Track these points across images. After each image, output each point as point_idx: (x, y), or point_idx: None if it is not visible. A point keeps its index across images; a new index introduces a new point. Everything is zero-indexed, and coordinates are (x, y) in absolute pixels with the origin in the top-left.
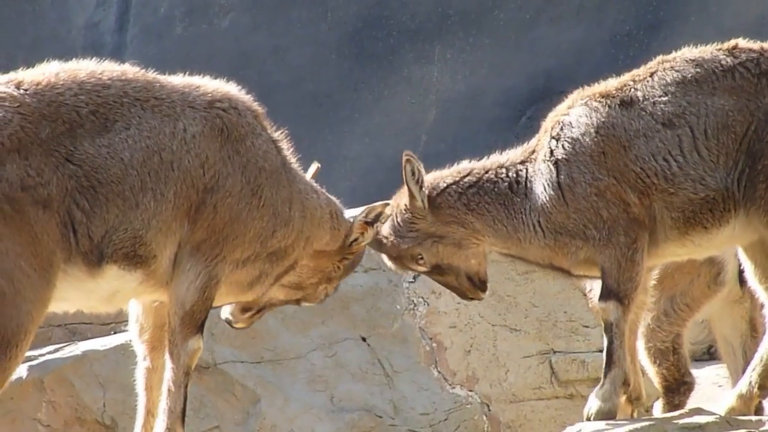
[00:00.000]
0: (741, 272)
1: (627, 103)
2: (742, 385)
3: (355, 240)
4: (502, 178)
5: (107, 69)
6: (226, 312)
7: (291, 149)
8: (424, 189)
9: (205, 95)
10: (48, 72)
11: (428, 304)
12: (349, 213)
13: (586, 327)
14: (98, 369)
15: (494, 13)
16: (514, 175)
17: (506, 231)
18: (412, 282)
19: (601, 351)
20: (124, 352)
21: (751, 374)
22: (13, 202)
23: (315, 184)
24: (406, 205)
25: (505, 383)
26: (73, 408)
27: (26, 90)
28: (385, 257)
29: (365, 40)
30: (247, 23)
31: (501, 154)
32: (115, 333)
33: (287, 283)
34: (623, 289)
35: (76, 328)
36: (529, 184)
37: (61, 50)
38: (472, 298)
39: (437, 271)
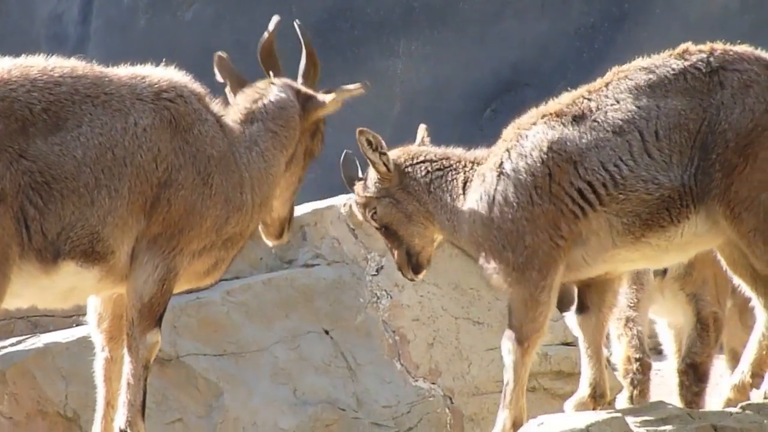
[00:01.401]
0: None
1: (579, 118)
2: (736, 375)
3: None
4: (461, 173)
5: (57, 65)
6: (268, 243)
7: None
8: (385, 154)
9: (152, 86)
10: (1, 68)
11: (391, 298)
12: (312, 206)
13: (550, 320)
14: (60, 362)
15: (459, 5)
16: (470, 174)
17: (448, 223)
18: (375, 275)
19: (565, 344)
20: (87, 344)
21: (744, 364)
22: None
23: (250, 130)
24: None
25: (468, 376)
26: (35, 400)
27: None
28: (352, 199)
29: (329, 33)
30: (211, 15)
31: (481, 150)
32: (77, 325)
33: (287, 193)
34: (525, 331)
35: (38, 320)
36: (471, 186)
37: (25, 42)
38: (405, 276)
39: (385, 233)
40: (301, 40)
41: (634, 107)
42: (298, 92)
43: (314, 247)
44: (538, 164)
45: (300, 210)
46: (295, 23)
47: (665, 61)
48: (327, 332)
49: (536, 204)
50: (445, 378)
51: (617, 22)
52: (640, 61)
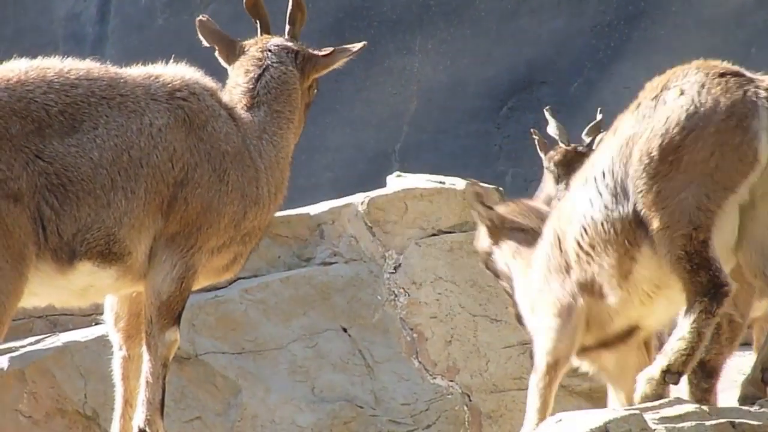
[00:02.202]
0: None
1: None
2: (750, 371)
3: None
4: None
5: (73, 67)
6: None
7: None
8: (492, 208)
9: (165, 86)
10: (18, 68)
11: (409, 295)
12: (329, 204)
13: None
14: (79, 360)
15: (475, 3)
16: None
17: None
18: (392, 273)
19: None
20: (106, 343)
21: (756, 358)
22: None
23: (257, 116)
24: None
25: (486, 373)
26: (55, 399)
27: None
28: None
29: (346, 31)
30: (228, 14)
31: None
32: (96, 324)
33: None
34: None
35: (57, 319)
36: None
37: (42, 42)
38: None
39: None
40: None
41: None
42: (296, 55)
43: (332, 245)
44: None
45: (317, 208)
46: None
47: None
48: (345, 330)
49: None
50: (463, 375)
51: (634, 20)
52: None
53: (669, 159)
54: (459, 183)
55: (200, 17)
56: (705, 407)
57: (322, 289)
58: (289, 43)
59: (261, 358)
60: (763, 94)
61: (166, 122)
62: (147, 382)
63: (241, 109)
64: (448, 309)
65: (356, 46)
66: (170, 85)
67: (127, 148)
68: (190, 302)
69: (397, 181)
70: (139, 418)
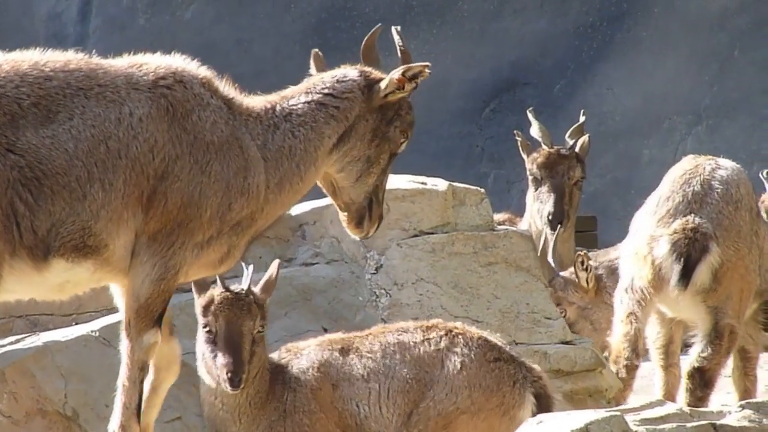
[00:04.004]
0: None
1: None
2: None
3: (391, 92)
4: None
5: (51, 59)
6: (351, 235)
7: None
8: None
9: (149, 74)
10: None
11: (390, 296)
12: (311, 204)
13: (548, 319)
14: (60, 360)
15: (458, 4)
16: None
17: None
18: (374, 274)
19: (564, 343)
20: (86, 343)
21: None
22: None
23: (289, 104)
24: None
25: None
26: (35, 399)
27: None
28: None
29: (329, 32)
30: (210, 15)
31: None
32: (76, 324)
33: (354, 172)
34: None
35: (37, 319)
36: None
37: (24, 41)
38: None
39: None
40: (397, 45)
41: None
42: (366, 73)
43: (313, 245)
44: None
45: (299, 208)
46: (393, 29)
47: (411, 328)
48: (326, 331)
49: None
50: None
51: (616, 21)
52: (395, 325)
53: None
54: (441, 184)
55: (315, 51)
56: (686, 409)
57: (303, 290)
58: (368, 68)
59: None
60: (529, 386)
61: (148, 112)
62: (123, 386)
63: (248, 99)
64: (430, 310)
65: (420, 66)
66: (154, 74)
67: (104, 138)
68: (170, 303)
69: None
70: (114, 423)
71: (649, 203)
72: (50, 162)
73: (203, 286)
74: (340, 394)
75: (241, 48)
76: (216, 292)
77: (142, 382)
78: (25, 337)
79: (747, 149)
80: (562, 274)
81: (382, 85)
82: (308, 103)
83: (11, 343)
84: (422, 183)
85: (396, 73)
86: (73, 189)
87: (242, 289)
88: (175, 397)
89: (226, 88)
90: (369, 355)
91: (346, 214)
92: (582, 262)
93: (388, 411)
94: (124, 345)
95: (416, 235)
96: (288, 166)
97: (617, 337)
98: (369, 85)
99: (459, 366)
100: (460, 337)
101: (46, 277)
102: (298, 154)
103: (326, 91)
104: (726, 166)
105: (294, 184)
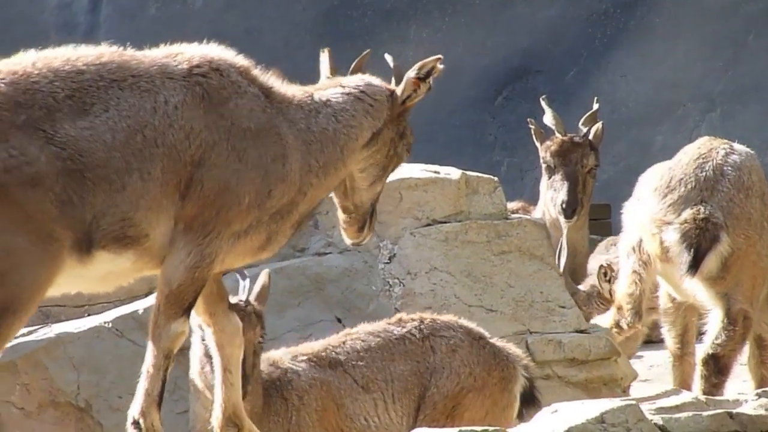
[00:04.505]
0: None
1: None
2: None
3: (408, 97)
4: None
5: (83, 54)
6: (347, 239)
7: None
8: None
9: (183, 63)
10: (25, 61)
11: (404, 286)
12: None
13: (563, 308)
14: (72, 351)
15: None
16: None
17: None
18: (387, 263)
19: (578, 331)
20: (98, 334)
21: None
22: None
23: (324, 93)
24: None
25: None
26: (47, 391)
27: (2, 79)
28: None
29: (340, 21)
30: (221, 4)
31: None
32: (89, 315)
33: (371, 176)
34: None
35: (49, 310)
36: None
37: (33, 31)
38: None
39: None
40: (391, 66)
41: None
42: (389, 89)
43: (326, 235)
44: None
45: None
46: (387, 56)
47: (385, 327)
48: (339, 320)
49: None
50: None
51: (629, 8)
52: (367, 326)
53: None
54: (454, 173)
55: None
56: (702, 397)
57: (316, 279)
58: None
59: None
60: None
61: (183, 99)
62: (147, 372)
63: (286, 87)
64: (443, 299)
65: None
66: (188, 63)
67: (140, 128)
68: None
69: None
70: (134, 408)
71: (659, 174)
72: (90, 154)
73: None
74: (345, 413)
75: (251, 37)
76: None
77: (166, 370)
78: (38, 328)
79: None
80: (581, 287)
81: (400, 89)
82: (346, 95)
83: (23, 335)
84: (435, 172)
85: (411, 73)
86: (113, 180)
87: (240, 301)
88: (188, 389)
89: (264, 76)
90: (360, 364)
91: (349, 217)
92: (605, 274)
93: (396, 415)
94: (151, 331)
95: (429, 224)
96: (332, 149)
97: (621, 295)
98: (391, 92)
99: (452, 348)
100: (436, 322)
101: (89, 269)
102: (341, 139)
103: (360, 88)
104: (739, 151)
105: (337, 168)
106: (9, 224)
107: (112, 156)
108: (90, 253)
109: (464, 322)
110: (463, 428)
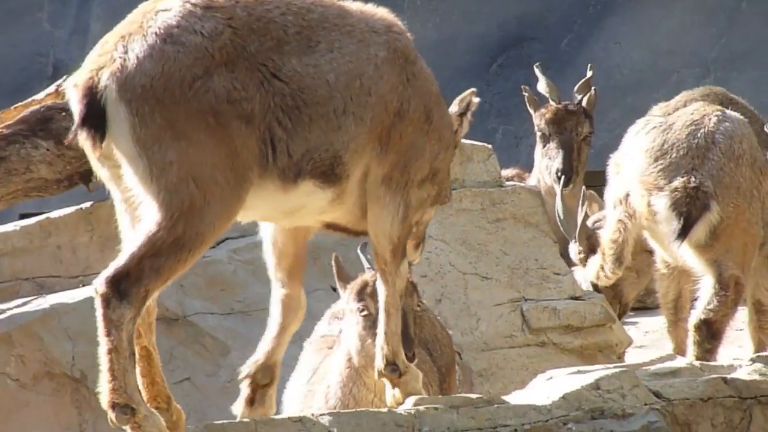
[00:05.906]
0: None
1: None
2: None
3: (455, 132)
4: None
5: None
6: (412, 259)
7: None
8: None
9: (382, 20)
10: None
11: None
12: None
13: (558, 274)
14: (67, 322)
15: None
16: None
17: None
18: None
19: (573, 298)
20: (93, 304)
21: None
22: (218, 115)
23: None
24: None
25: (477, 332)
26: (42, 362)
27: (237, 2)
28: None
29: None
30: None
31: None
32: (83, 286)
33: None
34: None
35: (44, 281)
36: None
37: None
38: None
39: None
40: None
41: None
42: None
43: None
44: None
45: None
46: None
47: None
48: (334, 289)
49: None
50: (454, 334)
51: None
52: None
53: None
54: None
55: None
56: (697, 363)
57: (311, 249)
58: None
59: (250, 318)
60: None
61: (386, 54)
62: (388, 312)
63: None
64: (438, 267)
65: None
66: (386, 21)
67: (359, 74)
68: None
69: None
70: (384, 348)
71: (651, 136)
72: (312, 91)
73: (347, 278)
74: None
75: None
76: (368, 276)
77: (400, 308)
78: (32, 299)
79: (756, 102)
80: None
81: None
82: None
83: (18, 306)
84: None
85: (452, 108)
86: (330, 119)
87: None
88: (183, 358)
89: None
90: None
91: (418, 228)
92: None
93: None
94: (382, 278)
95: None
96: (449, 138)
97: (605, 241)
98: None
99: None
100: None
101: (289, 197)
102: (448, 134)
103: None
104: (732, 118)
105: (447, 163)
106: (214, 157)
107: (333, 96)
108: (296, 182)
109: None
110: (454, 396)
